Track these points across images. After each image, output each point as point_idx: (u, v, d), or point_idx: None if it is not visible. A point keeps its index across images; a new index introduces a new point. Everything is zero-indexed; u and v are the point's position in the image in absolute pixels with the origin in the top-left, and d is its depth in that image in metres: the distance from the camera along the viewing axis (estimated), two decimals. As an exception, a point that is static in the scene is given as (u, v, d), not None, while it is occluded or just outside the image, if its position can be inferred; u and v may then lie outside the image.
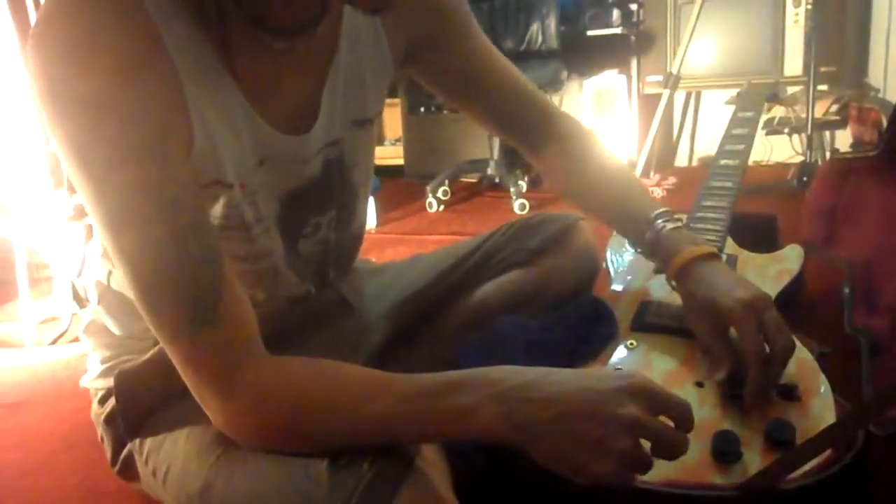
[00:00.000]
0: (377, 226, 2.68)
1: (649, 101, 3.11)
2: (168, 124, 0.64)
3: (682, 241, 0.86)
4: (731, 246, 1.06)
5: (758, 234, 1.17)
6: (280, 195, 0.81)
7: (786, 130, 2.72)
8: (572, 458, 0.60)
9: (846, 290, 1.11)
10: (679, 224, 0.88)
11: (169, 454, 0.78)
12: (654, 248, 0.89)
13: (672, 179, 2.92)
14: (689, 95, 3.36)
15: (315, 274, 0.92)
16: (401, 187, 3.30)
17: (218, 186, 0.72)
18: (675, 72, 2.19)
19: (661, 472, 0.70)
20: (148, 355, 0.83)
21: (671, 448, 0.62)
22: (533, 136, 0.97)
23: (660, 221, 0.88)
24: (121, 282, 0.85)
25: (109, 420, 0.86)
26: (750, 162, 3.12)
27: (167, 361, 0.75)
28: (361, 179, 0.91)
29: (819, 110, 2.68)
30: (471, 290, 1.04)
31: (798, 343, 0.87)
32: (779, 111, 2.81)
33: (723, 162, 1.15)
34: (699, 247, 0.85)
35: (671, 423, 0.63)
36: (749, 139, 1.19)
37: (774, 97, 1.56)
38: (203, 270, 0.64)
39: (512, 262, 1.04)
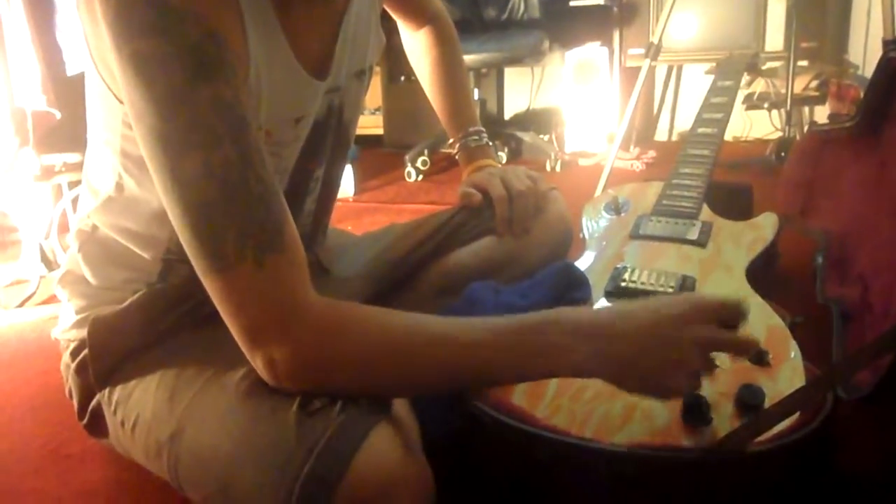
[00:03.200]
0: (355, 194, 2.65)
1: (631, 74, 3.07)
2: (236, 51, 0.63)
3: (478, 154, 1.09)
4: (706, 213, 1.06)
5: (733, 202, 1.17)
6: (301, 145, 0.81)
7: (765, 105, 2.71)
8: (659, 383, 0.65)
9: (819, 260, 1.12)
10: (483, 143, 1.11)
11: (138, 402, 0.77)
12: (459, 155, 1.11)
13: (652, 153, 2.91)
14: (670, 69, 3.34)
15: (305, 235, 0.91)
16: (380, 157, 3.26)
17: None
18: (655, 41, 2.17)
19: (630, 436, 0.71)
20: (126, 303, 0.81)
21: (742, 347, 0.68)
22: (414, 19, 1.12)
23: (470, 137, 1.09)
24: (106, 235, 0.82)
25: (80, 370, 0.84)
26: (729, 137, 3.16)
27: (148, 308, 0.75)
28: (351, 134, 0.93)
29: (799, 86, 2.68)
30: (444, 257, 1.03)
31: (770, 310, 0.87)
32: (759, 86, 2.80)
33: (700, 130, 1.14)
34: (486, 160, 1.09)
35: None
36: (727, 108, 1.18)
37: (754, 67, 1.55)
38: (269, 195, 0.63)
39: (486, 229, 1.03)
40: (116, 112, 0.72)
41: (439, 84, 1.13)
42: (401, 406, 0.69)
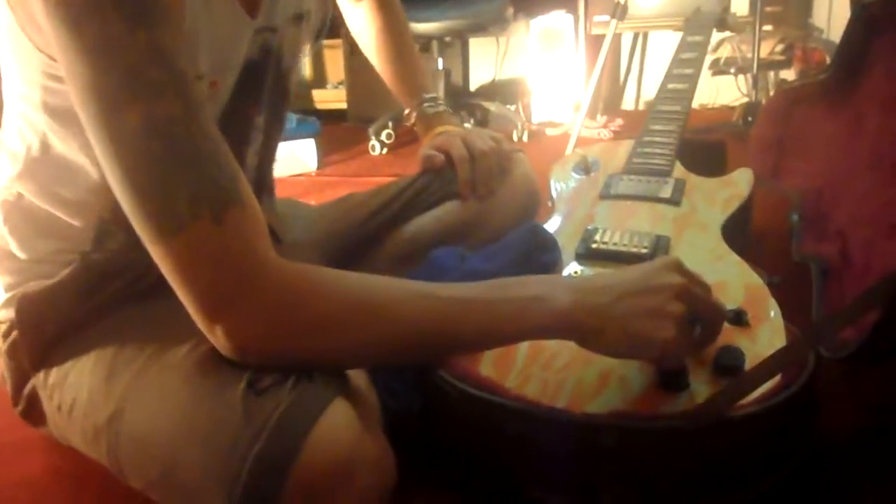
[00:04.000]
0: (318, 169, 2.58)
1: (597, 42, 3.03)
2: None
3: (436, 120, 1.04)
4: (679, 170, 1.01)
5: (706, 159, 1.13)
6: (232, 85, 0.75)
7: (732, 70, 2.70)
8: (639, 331, 0.62)
9: (794, 217, 1.09)
10: (440, 110, 1.06)
11: (75, 384, 0.72)
12: (417, 125, 1.07)
13: (619, 122, 2.89)
14: (636, 37, 3.30)
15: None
16: (343, 131, 3.18)
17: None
18: (622, 1, 2.12)
19: (605, 405, 0.67)
20: (57, 277, 0.74)
21: (714, 312, 0.67)
22: None
23: (426, 104, 1.05)
24: (32, 203, 0.75)
25: (11, 352, 0.77)
26: (696, 105, 3.13)
27: (81, 282, 0.69)
28: (291, 85, 0.86)
29: (764, 50, 2.67)
30: (405, 224, 0.98)
31: (747, 269, 0.84)
32: (725, 51, 2.79)
33: (671, 86, 1.09)
34: (446, 126, 1.05)
35: None
36: (698, 63, 1.14)
37: (724, 23, 1.50)
38: (219, 151, 0.57)
39: (449, 193, 0.98)
40: (35, 63, 0.65)
41: (387, 54, 1.09)
42: (360, 382, 0.65)
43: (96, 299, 0.75)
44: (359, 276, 0.64)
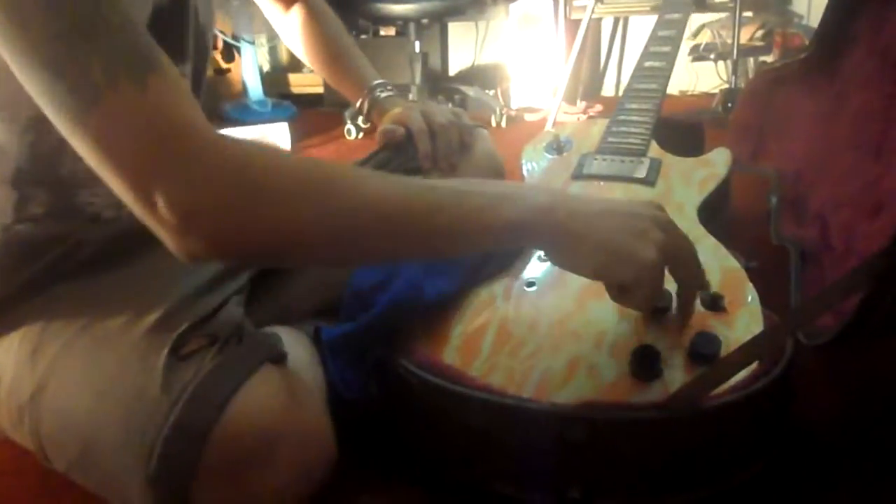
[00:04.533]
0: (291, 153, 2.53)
1: (576, 27, 3.00)
2: None
3: (390, 104, 1.00)
4: (655, 150, 0.98)
5: (684, 139, 1.09)
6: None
7: (711, 56, 2.69)
8: (620, 245, 0.59)
9: (773, 200, 1.06)
10: (391, 94, 1.02)
11: (1, 365, 0.67)
12: (369, 111, 1.02)
13: (598, 108, 2.87)
14: (616, 22, 3.27)
15: None
16: (319, 116, 3.13)
17: None
18: (601, -16, 2.09)
19: (574, 394, 0.63)
20: None
21: (691, 257, 0.64)
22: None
23: (375, 91, 1.01)
24: None
25: None
26: (675, 91, 3.10)
27: (7, 256, 0.64)
28: (209, 34, 0.80)
29: (744, 36, 2.65)
30: None
31: (724, 252, 0.80)
32: (705, 37, 2.77)
33: (648, 63, 1.05)
34: (401, 107, 0.99)
35: None
36: (676, 41, 1.10)
37: (703, 3, 1.47)
38: (131, 25, 0.51)
39: (408, 171, 0.93)
40: None
41: (325, 56, 1.04)
42: (301, 352, 0.61)
43: (23, 276, 0.69)
44: (311, 158, 0.59)
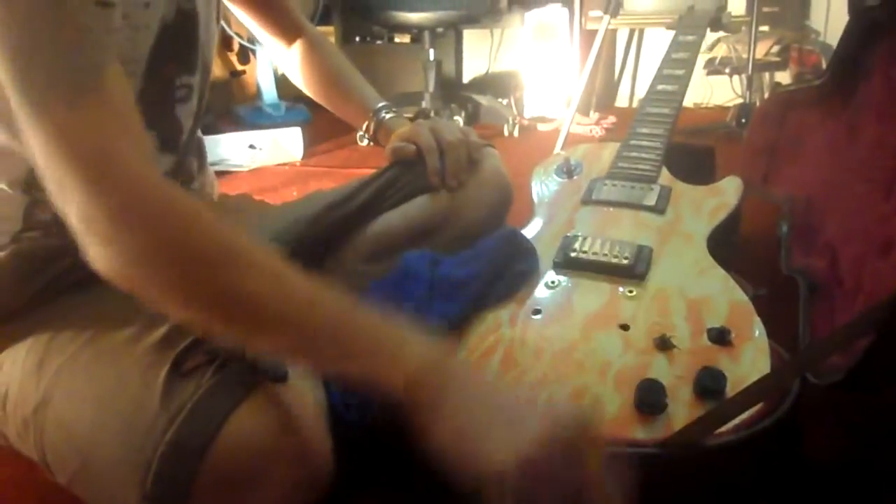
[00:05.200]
0: (303, 158, 2.53)
1: (591, 37, 2.99)
2: None
3: (395, 124, 0.99)
4: (666, 177, 0.97)
5: (694, 165, 1.09)
6: (150, 42, 0.70)
7: (727, 70, 2.67)
8: (474, 438, 0.50)
9: (784, 228, 1.05)
10: (395, 115, 1.02)
11: (8, 375, 0.68)
12: (376, 134, 1.00)
13: (612, 119, 2.85)
14: (631, 33, 3.26)
15: (178, 162, 0.81)
16: (333, 121, 3.09)
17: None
18: (616, -4, 2.08)
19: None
20: None
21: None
22: (284, 35, 1.03)
23: (380, 113, 1.00)
24: None
25: None
26: (689, 104, 3.09)
27: (14, 268, 0.66)
28: (212, 50, 0.82)
29: (760, 51, 2.64)
30: (372, 219, 0.93)
31: (732, 283, 0.80)
32: (720, 51, 2.75)
33: (660, 87, 1.05)
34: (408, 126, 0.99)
35: None
36: (689, 64, 1.10)
37: (718, 22, 1.46)
38: (85, 38, 0.53)
39: (417, 189, 0.93)
40: None
41: (328, 83, 1.04)
42: (305, 376, 0.61)
43: (33, 286, 0.70)
44: (237, 230, 0.56)
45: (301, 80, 1.06)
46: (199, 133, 0.89)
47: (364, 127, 1.01)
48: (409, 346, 0.53)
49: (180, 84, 0.76)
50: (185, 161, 0.84)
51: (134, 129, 0.56)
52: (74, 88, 0.52)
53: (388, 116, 1.00)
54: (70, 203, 0.52)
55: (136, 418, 0.56)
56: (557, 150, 2.11)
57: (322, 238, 0.92)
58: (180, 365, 0.56)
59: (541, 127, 2.89)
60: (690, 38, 1.14)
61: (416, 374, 0.51)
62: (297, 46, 1.04)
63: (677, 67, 1.08)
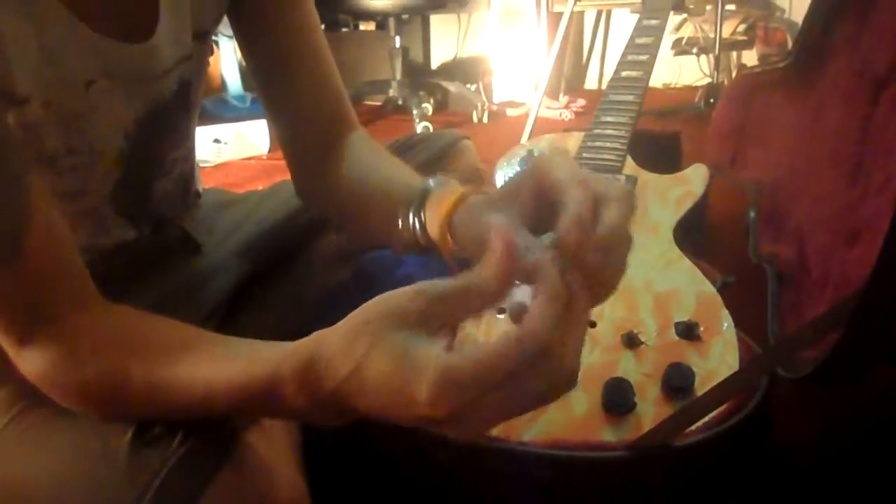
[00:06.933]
0: (270, 151, 2.49)
1: (559, 19, 2.97)
2: None
3: (449, 189, 0.62)
4: (630, 166, 0.95)
5: (659, 152, 1.07)
6: (126, 127, 0.65)
7: (694, 50, 2.67)
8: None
9: (752, 214, 1.04)
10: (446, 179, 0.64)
11: None
12: (429, 213, 0.62)
13: (581, 102, 2.85)
14: (598, 14, 3.24)
15: (159, 214, 0.77)
16: (298, 111, 3.09)
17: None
18: (580, -22, 2.06)
19: (546, 430, 0.61)
20: None
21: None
22: (332, 124, 0.77)
23: (427, 183, 0.63)
24: None
25: None
26: (658, 84, 3.08)
27: None
28: (199, 102, 0.76)
29: (726, 30, 2.64)
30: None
31: (699, 276, 0.79)
32: (687, 30, 2.74)
33: (624, 73, 1.03)
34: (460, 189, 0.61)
35: None
36: (654, 49, 1.08)
37: (681, 5, 1.45)
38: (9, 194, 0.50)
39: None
40: None
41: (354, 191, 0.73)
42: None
43: None
44: (143, 365, 0.52)
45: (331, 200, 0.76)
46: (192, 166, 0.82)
47: (400, 224, 0.63)
48: (282, 371, 0.46)
49: (169, 161, 0.73)
50: (161, 216, 0.78)
51: (57, 283, 0.54)
52: None
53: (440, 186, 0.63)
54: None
55: (100, 495, 0.51)
56: (526, 135, 2.09)
57: (291, 243, 0.89)
58: (143, 432, 0.51)
59: (510, 112, 2.87)
60: (654, 21, 1.12)
61: (302, 386, 0.45)
62: (339, 151, 0.75)
63: (641, 52, 1.06)
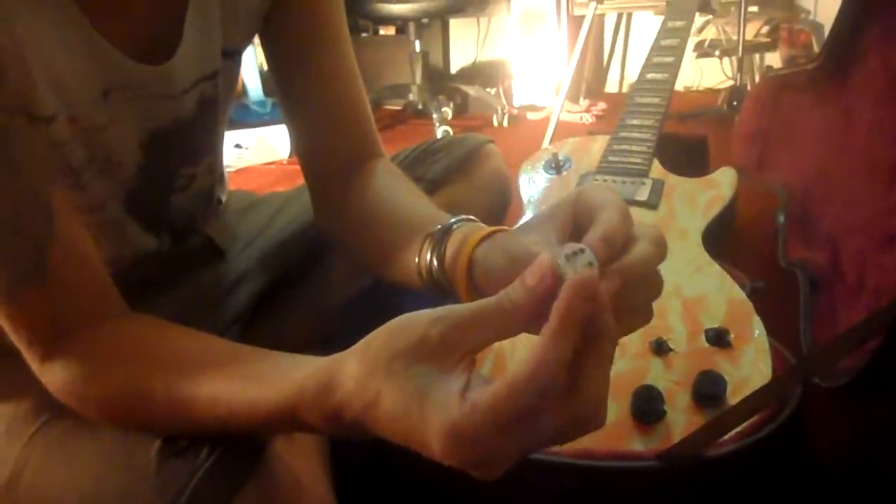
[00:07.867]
0: (290, 156, 2.49)
1: (579, 23, 2.96)
2: None
3: (473, 229, 0.58)
4: (657, 170, 0.94)
5: (687, 156, 1.05)
6: (140, 138, 0.65)
7: (716, 53, 2.64)
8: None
9: (781, 219, 1.02)
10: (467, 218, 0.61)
11: None
12: (448, 249, 0.58)
13: (602, 105, 2.83)
14: (619, 17, 3.22)
15: (179, 226, 0.77)
16: (319, 115, 3.09)
17: (24, 119, 0.54)
18: (602, -18, 2.04)
19: (572, 441, 0.60)
20: None
21: None
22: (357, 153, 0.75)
23: (450, 224, 0.59)
24: None
25: None
26: (680, 87, 3.06)
27: None
28: (226, 117, 0.76)
29: (750, 32, 2.61)
30: None
31: (729, 281, 0.77)
32: (710, 33, 2.72)
33: (650, 76, 1.01)
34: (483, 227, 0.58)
35: None
36: (679, 51, 1.06)
37: (706, 6, 1.43)
38: (23, 219, 0.51)
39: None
40: None
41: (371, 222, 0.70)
42: None
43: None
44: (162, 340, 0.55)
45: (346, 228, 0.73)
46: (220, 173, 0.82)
47: (426, 253, 0.58)
48: (303, 397, 0.45)
49: (183, 175, 0.72)
50: (182, 227, 0.78)
51: (82, 297, 0.55)
52: (13, 282, 0.52)
53: (460, 226, 0.59)
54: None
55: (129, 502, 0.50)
56: (547, 139, 2.08)
57: (312, 250, 0.88)
58: (172, 442, 0.51)
59: (530, 116, 2.85)
60: (679, 23, 1.11)
61: (322, 413, 0.44)
62: (363, 180, 0.73)
63: (666, 54, 1.04)
